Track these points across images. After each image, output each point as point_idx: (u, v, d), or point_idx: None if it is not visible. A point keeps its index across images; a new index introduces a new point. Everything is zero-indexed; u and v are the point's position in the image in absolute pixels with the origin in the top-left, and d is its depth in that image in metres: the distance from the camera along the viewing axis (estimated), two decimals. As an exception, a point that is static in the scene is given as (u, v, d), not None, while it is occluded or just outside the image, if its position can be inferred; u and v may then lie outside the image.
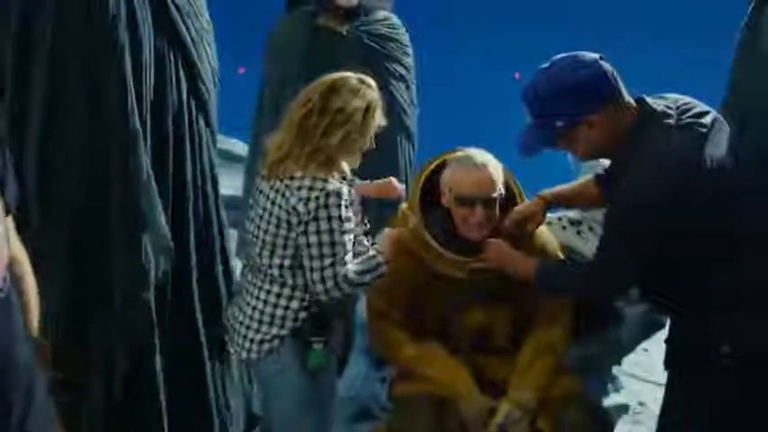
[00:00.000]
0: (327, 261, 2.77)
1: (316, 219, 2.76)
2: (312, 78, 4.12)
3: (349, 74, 2.88)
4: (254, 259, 2.93)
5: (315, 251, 2.77)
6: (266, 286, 2.90)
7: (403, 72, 4.18)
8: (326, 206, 2.76)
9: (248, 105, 4.42)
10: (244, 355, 2.93)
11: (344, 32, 4.11)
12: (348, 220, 2.79)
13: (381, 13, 4.22)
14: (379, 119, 2.87)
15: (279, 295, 2.87)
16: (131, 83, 2.90)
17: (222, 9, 3.37)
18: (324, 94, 2.82)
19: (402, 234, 2.99)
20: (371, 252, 2.89)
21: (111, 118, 2.90)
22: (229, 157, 6.91)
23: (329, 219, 2.76)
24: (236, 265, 3.56)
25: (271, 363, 2.91)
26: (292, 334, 2.88)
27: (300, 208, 2.76)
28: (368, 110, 2.83)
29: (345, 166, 2.91)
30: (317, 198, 2.76)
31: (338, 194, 2.76)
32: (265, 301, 2.89)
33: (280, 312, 2.87)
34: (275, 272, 2.87)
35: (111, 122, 2.91)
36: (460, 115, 9.56)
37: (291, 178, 2.80)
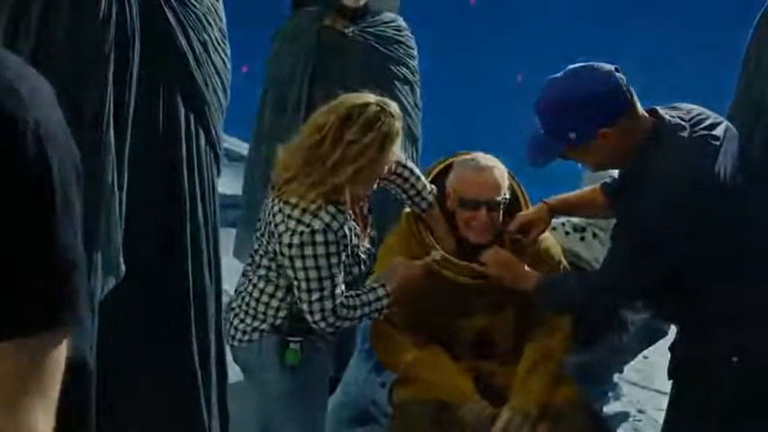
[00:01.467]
0: (315, 296, 2.76)
1: (302, 256, 2.72)
2: (316, 80, 4.11)
3: (370, 99, 2.74)
4: (255, 251, 2.94)
5: (303, 285, 2.75)
6: (254, 280, 2.91)
7: (408, 75, 4.15)
8: (313, 243, 2.71)
9: (250, 104, 4.40)
10: (229, 341, 2.97)
11: (350, 34, 4.09)
12: (336, 254, 2.74)
13: (388, 15, 4.20)
14: (397, 149, 2.77)
15: (262, 291, 2.89)
16: (111, 94, 2.80)
17: (226, 7, 3.33)
18: (339, 123, 2.69)
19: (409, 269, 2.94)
20: (374, 284, 2.88)
21: (85, 130, 2.78)
22: (229, 156, 6.88)
23: (315, 257, 2.72)
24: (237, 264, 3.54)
25: (251, 354, 2.92)
26: (272, 329, 2.88)
27: (285, 239, 2.73)
28: (385, 141, 2.71)
29: (357, 190, 2.81)
30: (302, 233, 2.70)
31: (325, 231, 2.71)
32: (251, 294, 2.90)
33: (261, 308, 2.89)
34: (262, 272, 2.89)
35: (84, 134, 2.76)
36: (462, 117, 9.55)
37: (286, 203, 2.75)
